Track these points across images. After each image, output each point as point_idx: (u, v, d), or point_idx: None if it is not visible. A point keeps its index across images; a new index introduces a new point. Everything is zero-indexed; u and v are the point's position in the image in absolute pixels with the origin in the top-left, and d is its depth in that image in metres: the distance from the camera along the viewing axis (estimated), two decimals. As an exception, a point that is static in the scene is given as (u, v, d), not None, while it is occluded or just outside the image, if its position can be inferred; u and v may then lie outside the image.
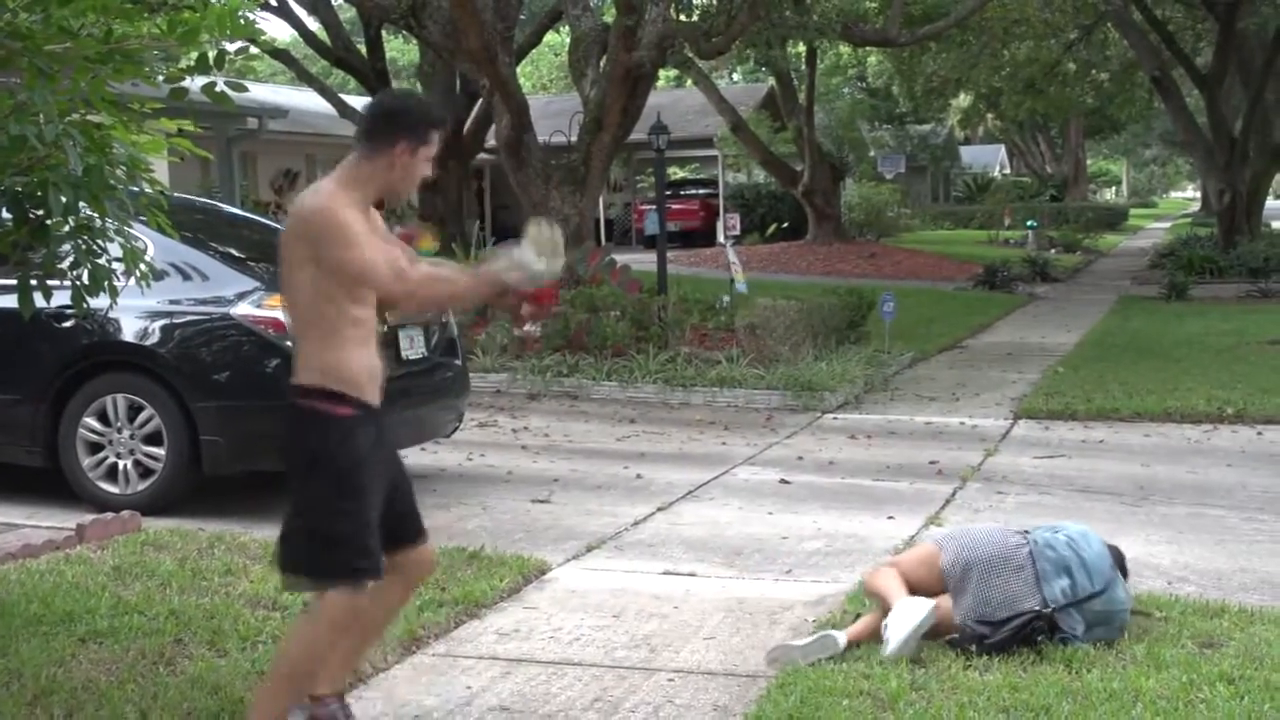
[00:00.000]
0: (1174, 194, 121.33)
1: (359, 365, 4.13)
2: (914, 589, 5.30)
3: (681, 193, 39.63)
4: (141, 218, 5.13)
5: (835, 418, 12.05)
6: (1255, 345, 16.68)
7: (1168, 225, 61.58)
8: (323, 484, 4.07)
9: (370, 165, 4.16)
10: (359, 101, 30.26)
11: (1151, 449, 10.49)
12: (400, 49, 48.84)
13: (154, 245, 6.76)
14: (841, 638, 5.20)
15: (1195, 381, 13.25)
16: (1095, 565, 5.30)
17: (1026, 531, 5.49)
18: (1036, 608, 5.16)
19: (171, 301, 7.82)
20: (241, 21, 4.61)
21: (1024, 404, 12.29)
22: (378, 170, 4.17)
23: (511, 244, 4.40)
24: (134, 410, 7.88)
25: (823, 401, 12.41)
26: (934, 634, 5.20)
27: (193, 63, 4.79)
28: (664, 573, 6.75)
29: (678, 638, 5.63)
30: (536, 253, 4.28)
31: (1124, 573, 5.49)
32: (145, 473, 7.89)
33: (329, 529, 4.06)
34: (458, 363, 9.26)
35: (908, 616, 5.13)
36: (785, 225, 35.99)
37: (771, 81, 37.23)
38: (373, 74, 28.95)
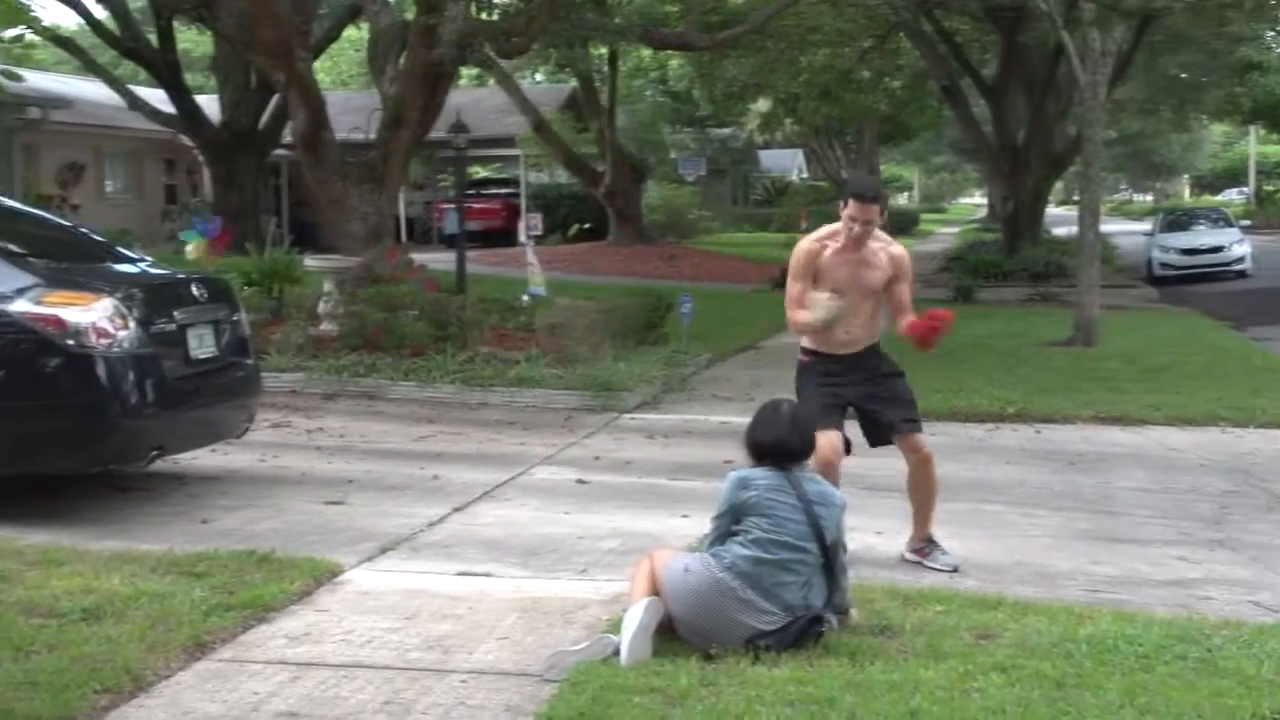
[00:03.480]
0: (963, 199, 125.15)
1: None
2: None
3: (483, 192, 39.55)
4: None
5: (633, 418, 12.14)
6: (1035, 347, 17.35)
7: (957, 230, 63.62)
8: None
9: None
10: (150, 94, 29.52)
11: (937, 447, 10.66)
12: (194, 40, 47.60)
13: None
14: (617, 640, 5.24)
15: (979, 382, 13.70)
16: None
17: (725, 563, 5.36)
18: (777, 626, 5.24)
19: (-56, 298, 7.51)
20: (16, 7, 4.45)
21: (817, 404, 12.53)
22: None
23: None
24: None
25: (621, 401, 12.49)
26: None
27: (-37, 50, 4.62)
28: (459, 574, 6.72)
29: (472, 639, 5.62)
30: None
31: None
32: (-84, 476, 7.56)
33: None
34: (249, 361, 9.07)
35: (629, 621, 5.19)
36: (587, 226, 36.14)
37: (574, 82, 37.33)
38: (164, 65, 28.22)
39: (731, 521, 5.44)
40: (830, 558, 5.39)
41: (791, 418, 5.62)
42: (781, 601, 5.25)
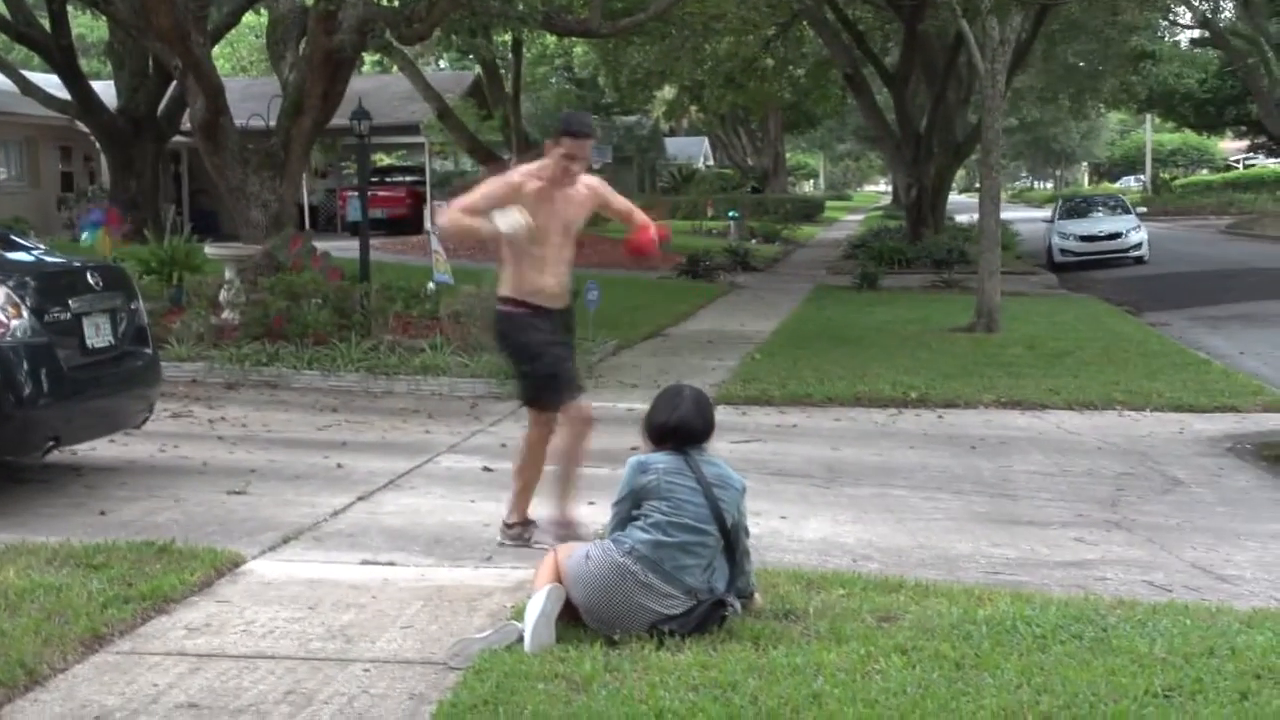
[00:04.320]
0: (867, 187, 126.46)
1: None
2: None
3: (388, 179, 39.22)
4: None
5: (539, 405, 12.09)
6: (938, 332, 17.55)
7: (861, 217, 64.18)
8: None
9: None
10: (44, 79, 28.92)
11: (841, 432, 10.91)
12: (88, 25, 46.79)
13: None
14: (521, 626, 5.24)
15: (883, 367, 13.85)
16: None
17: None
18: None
19: None
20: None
21: (722, 390, 12.59)
22: None
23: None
24: None
25: (527, 389, 12.43)
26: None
27: None
28: (363, 562, 6.67)
29: (375, 628, 5.58)
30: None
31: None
32: None
33: None
34: (148, 351, 8.94)
35: (532, 608, 5.20)
36: (493, 213, 35.96)
37: (478, 69, 37.14)
38: (58, 50, 27.64)
39: (631, 506, 5.46)
40: (731, 540, 5.41)
41: (694, 400, 5.63)
42: (683, 585, 5.27)
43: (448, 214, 6.73)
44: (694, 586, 5.29)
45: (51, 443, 7.86)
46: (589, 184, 6.92)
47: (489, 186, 6.71)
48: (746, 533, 5.60)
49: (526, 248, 6.61)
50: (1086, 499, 8.57)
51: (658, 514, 5.34)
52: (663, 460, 5.47)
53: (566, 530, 6.71)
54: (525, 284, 6.75)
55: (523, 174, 6.77)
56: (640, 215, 7.10)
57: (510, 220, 6.46)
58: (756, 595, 5.65)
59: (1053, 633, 5.29)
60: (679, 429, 5.54)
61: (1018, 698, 4.60)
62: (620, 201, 7.15)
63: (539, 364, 6.74)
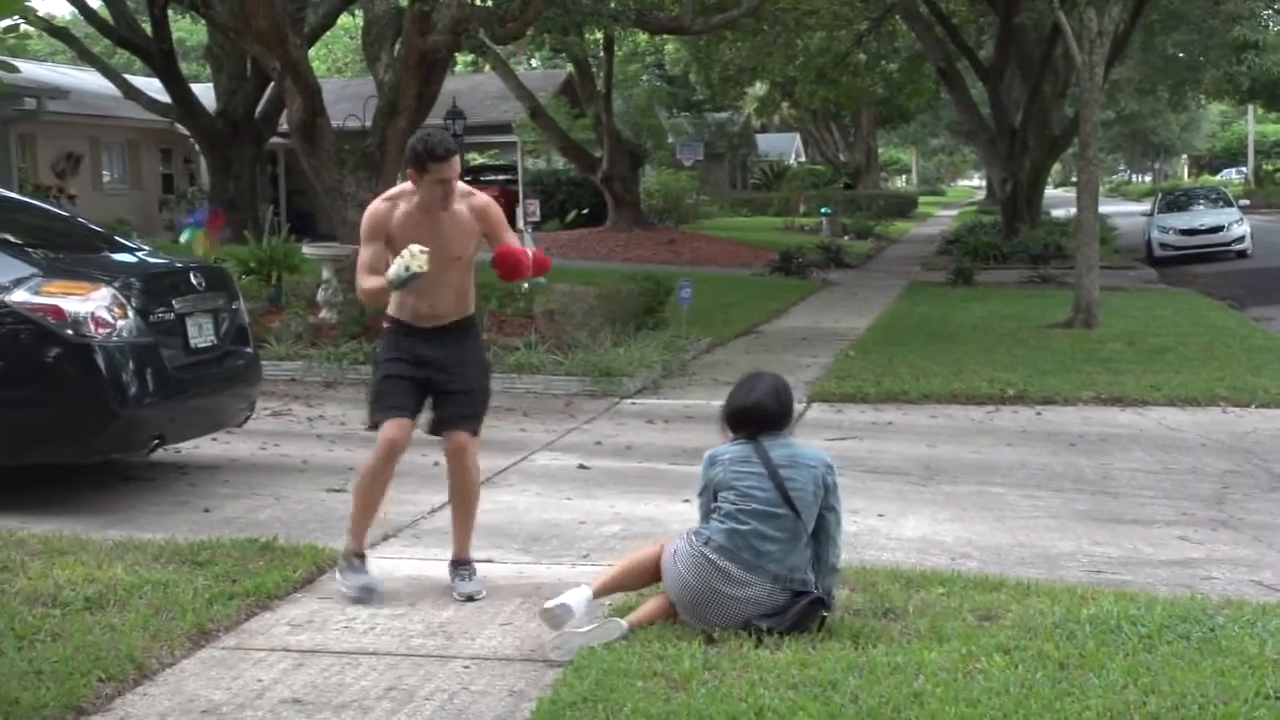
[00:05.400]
0: (961, 182, 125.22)
1: None
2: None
3: (480, 179, 39.43)
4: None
5: (633, 403, 12.14)
6: (1035, 329, 17.34)
7: (955, 213, 63.57)
8: None
9: None
10: (146, 83, 29.46)
11: (938, 430, 10.81)
12: (188, 29, 47.55)
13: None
14: (624, 624, 5.26)
15: (979, 364, 13.71)
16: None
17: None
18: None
19: (-57, 289, 7.50)
20: (12, -2, 4.43)
21: (816, 387, 12.54)
22: None
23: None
24: (-97, 402, 7.53)
25: (621, 387, 12.49)
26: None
27: (-40, 41, 4.60)
28: (461, 560, 6.71)
29: (474, 624, 5.63)
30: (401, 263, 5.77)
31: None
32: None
33: None
34: (249, 350, 9.07)
35: (577, 595, 5.39)
36: (585, 211, 36.10)
37: (570, 68, 37.26)
38: (159, 54, 28.13)
39: (710, 499, 5.48)
40: (810, 521, 5.37)
41: (770, 384, 5.60)
42: (766, 572, 5.26)
43: (360, 290, 6.28)
44: (778, 574, 5.27)
45: (156, 441, 8.00)
46: (474, 205, 6.25)
47: (364, 227, 6.20)
48: (834, 511, 5.47)
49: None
50: (1190, 497, 8.42)
51: (728, 504, 5.36)
52: (730, 450, 5.48)
53: (346, 564, 6.21)
54: (403, 304, 6.25)
55: (387, 198, 6.28)
56: (513, 239, 6.37)
57: (396, 267, 5.85)
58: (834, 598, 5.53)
59: (1159, 633, 5.20)
60: (753, 412, 5.52)
61: (1124, 698, 4.53)
62: (508, 240, 6.32)
63: (374, 377, 6.42)
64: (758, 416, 5.51)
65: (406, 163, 6.17)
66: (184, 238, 17.56)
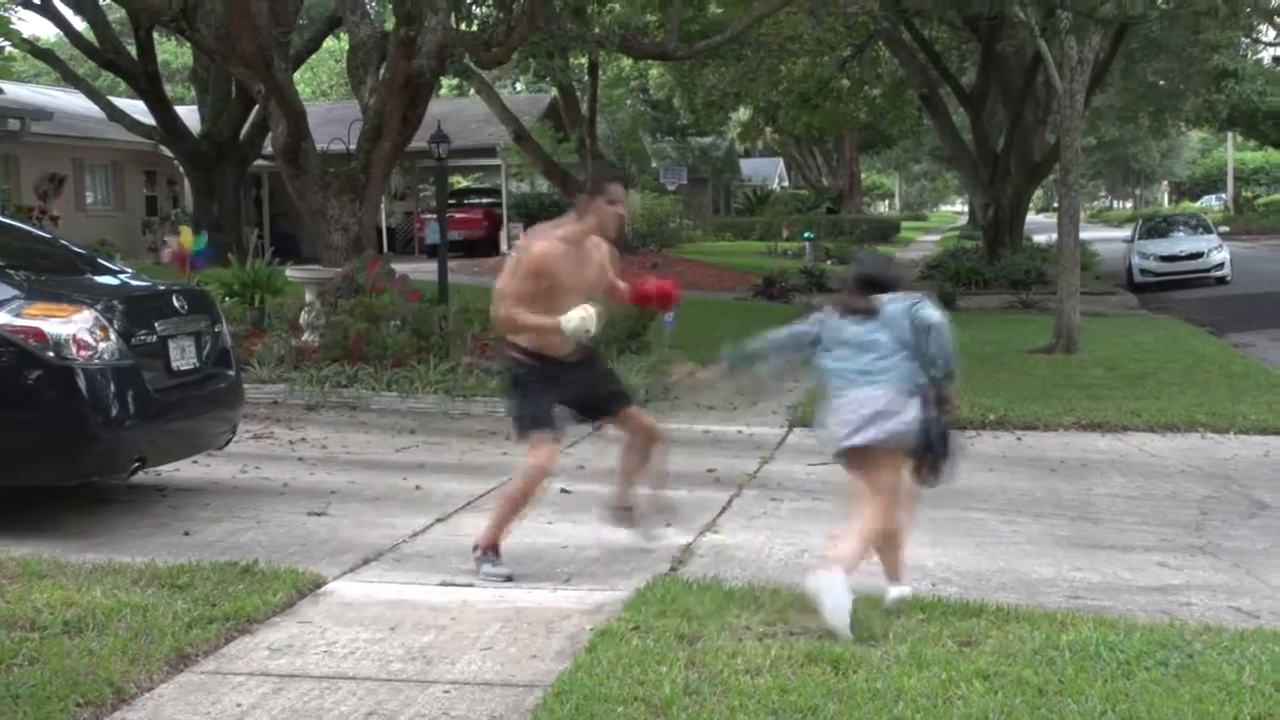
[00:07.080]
0: (943, 207, 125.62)
1: None
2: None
3: (465, 202, 39.51)
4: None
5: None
6: (1016, 354, 17.40)
7: (937, 238, 63.70)
8: None
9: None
10: (130, 105, 29.46)
11: (919, 455, 10.80)
12: (173, 51, 47.60)
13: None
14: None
15: (960, 389, 13.69)
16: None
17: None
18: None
19: (-76, 311, 7.48)
20: (-4, 21, 4.44)
21: (799, 413, 12.54)
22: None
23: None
24: (-117, 425, 7.50)
25: (603, 411, 12.46)
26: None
27: (-57, 63, 4.61)
28: (442, 584, 6.71)
29: (455, 649, 5.62)
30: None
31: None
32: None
33: None
34: (231, 373, 9.06)
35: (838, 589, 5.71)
36: (568, 235, 36.08)
37: (554, 92, 37.36)
38: (144, 77, 28.15)
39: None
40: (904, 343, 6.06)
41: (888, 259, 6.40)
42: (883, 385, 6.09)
43: (523, 322, 6.70)
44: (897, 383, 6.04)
45: (137, 463, 7.97)
46: (598, 243, 6.76)
47: (534, 264, 6.58)
48: (927, 330, 6.08)
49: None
50: (1170, 523, 8.45)
51: (829, 359, 6.16)
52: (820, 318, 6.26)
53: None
54: (548, 342, 6.77)
55: (558, 239, 6.67)
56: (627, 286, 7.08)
57: (577, 325, 6.46)
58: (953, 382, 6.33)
59: (1137, 659, 5.22)
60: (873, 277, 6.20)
61: (1102, 725, 4.55)
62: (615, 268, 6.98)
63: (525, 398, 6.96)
64: (875, 283, 6.24)
65: (588, 188, 6.59)
66: (196, 250, 17.51)
